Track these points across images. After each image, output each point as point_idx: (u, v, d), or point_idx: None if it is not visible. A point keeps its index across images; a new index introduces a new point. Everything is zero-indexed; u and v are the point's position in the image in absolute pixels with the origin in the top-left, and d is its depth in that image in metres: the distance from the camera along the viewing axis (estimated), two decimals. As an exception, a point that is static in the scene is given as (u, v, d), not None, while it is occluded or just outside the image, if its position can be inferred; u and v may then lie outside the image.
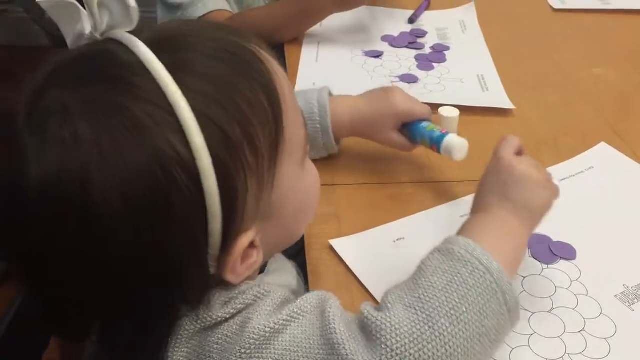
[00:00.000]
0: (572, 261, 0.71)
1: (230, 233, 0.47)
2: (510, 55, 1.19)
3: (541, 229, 0.75)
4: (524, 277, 0.69)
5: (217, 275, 0.50)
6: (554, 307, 0.66)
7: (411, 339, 0.47)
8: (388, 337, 0.47)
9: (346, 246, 0.73)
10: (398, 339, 0.47)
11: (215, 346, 0.48)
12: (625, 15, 1.35)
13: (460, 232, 0.58)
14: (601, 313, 0.65)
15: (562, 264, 0.71)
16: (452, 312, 0.48)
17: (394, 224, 0.77)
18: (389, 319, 0.47)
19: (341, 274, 0.71)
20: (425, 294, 0.49)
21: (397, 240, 0.74)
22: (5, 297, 0.71)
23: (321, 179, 0.84)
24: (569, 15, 1.35)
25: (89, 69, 0.47)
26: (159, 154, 0.43)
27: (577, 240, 0.74)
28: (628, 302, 0.66)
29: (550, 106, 1.03)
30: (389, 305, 0.49)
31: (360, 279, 0.69)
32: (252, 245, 0.51)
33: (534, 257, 0.72)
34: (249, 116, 0.47)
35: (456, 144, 0.78)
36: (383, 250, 0.73)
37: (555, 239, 0.74)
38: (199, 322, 0.49)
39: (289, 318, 0.49)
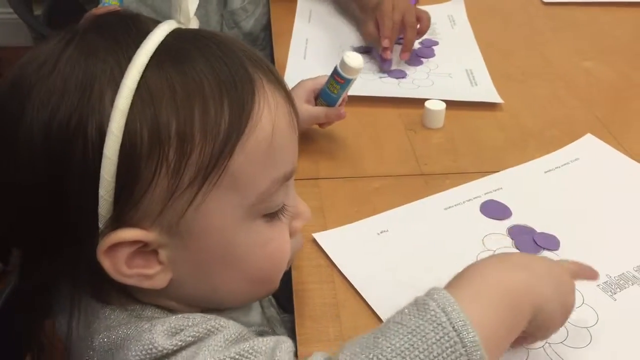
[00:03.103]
0: (555, 252, 0.71)
1: (118, 213, 0.46)
2: (500, 50, 1.19)
3: (526, 221, 0.75)
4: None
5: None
6: (535, 296, 0.65)
7: None
8: None
9: (330, 239, 0.73)
10: None
11: None
12: (615, 8, 1.35)
13: (461, 275, 0.52)
14: (583, 302, 0.65)
15: (545, 254, 0.71)
16: None
17: (378, 217, 0.77)
18: None
19: (324, 266, 0.71)
20: (380, 357, 0.45)
21: (381, 232, 0.74)
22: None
23: (306, 173, 0.85)
24: (559, 9, 1.35)
25: (113, 20, 0.51)
26: (88, 97, 0.45)
27: (561, 231, 0.74)
28: (610, 291, 0.66)
29: (539, 99, 1.03)
30: None
31: (343, 272, 0.69)
32: (156, 256, 0.50)
33: (517, 249, 0.71)
34: (194, 125, 0.46)
35: (349, 53, 0.82)
36: (367, 243, 0.73)
37: (539, 230, 0.74)
38: (143, 352, 0.46)
39: (238, 357, 0.46)
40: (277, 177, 0.51)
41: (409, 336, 0.45)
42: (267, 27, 1.35)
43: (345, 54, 0.82)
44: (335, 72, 0.84)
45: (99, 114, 0.45)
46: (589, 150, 0.89)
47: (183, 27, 0.52)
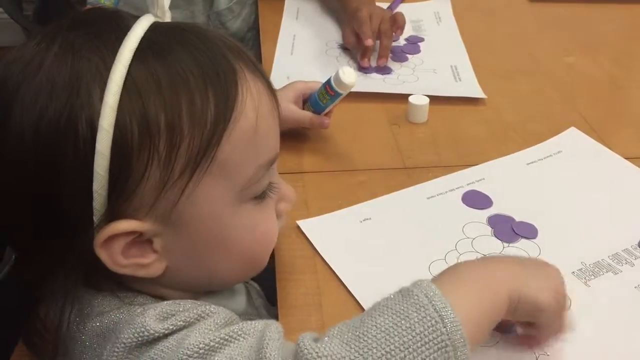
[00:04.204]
0: (533, 240, 0.73)
1: (113, 207, 0.48)
2: (485, 46, 1.20)
3: (505, 210, 0.77)
4: (485, 256, 0.70)
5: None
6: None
7: None
8: None
9: (313, 227, 0.74)
10: None
11: None
12: (599, 5, 1.36)
13: (444, 272, 0.55)
14: None
15: (523, 242, 0.72)
16: (388, 356, 0.46)
17: (361, 205, 0.78)
18: (320, 352, 0.46)
19: (307, 257, 0.71)
20: (366, 333, 0.47)
21: (364, 220, 0.75)
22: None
23: (291, 166, 0.87)
24: (545, 6, 1.36)
25: (94, 17, 0.52)
26: (76, 95, 0.46)
27: (540, 220, 0.75)
28: (584, 278, 0.67)
29: (521, 94, 1.05)
30: (327, 338, 0.47)
31: (326, 259, 0.70)
32: (151, 245, 0.51)
33: (496, 237, 0.73)
34: (182, 116, 0.48)
35: (345, 68, 0.82)
36: (349, 231, 0.74)
37: (518, 219, 0.75)
38: (135, 335, 0.48)
39: (227, 337, 0.47)
40: (262, 163, 0.53)
41: (393, 316, 0.48)
42: (254, 28, 1.36)
43: (341, 69, 0.82)
44: (327, 83, 0.84)
45: (89, 111, 0.46)
46: (572, 143, 0.91)
47: (160, 20, 0.53)
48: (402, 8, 1.31)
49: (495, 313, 0.53)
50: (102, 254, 0.50)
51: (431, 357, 0.46)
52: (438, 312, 0.47)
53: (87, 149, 0.46)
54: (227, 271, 0.57)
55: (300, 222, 0.75)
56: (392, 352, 0.46)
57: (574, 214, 0.77)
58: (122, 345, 0.48)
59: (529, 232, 0.73)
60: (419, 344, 0.46)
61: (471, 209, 0.78)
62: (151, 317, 0.48)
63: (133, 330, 0.48)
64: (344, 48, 1.17)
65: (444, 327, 0.47)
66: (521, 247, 0.71)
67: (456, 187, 0.81)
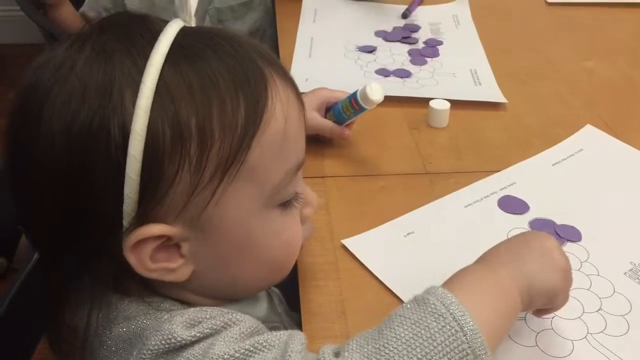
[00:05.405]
0: (579, 243, 0.73)
1: (143, 210, 0.48)
2: (503, 49, 1.19)
3: (544, 214, 0.77)
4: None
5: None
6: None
7: None
8: None
9: (359, 244, 0.73)
10: None
11: None
12: (618, 8, 1.36)
13: (450, 280, 0.54)
14: (614, 291, 0.66)
15: (569, 246, 0.72)
16: None
17: (401, 219, 0.77)
18: None
19: (330, 264, 0.71)
20: (387, 345, 0.46)
21: (408, 234, 0.74)
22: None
23: (312, 171, 0.86)
24: (563, 9, 1.36)
25: (124, 21, 0.52)
26: (109, 99, 0.46)
27: (580, 222, 0.75)
28: (638, 278, 0.67)
29: (541, 98, 1.04)
30: (347, 353, 0.47)
31: (377, 275, 0.68)
32: (178, 250, 0.51)
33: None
34: (213, 120, 0.48)
35: (373, 84, 0.81)
36: (395, 246, 0.73)
37: (559, 222, 0.75)
38: (163, 341, 0.47)
39: (252, 349, 0.47)
40: (290, 168, 0.53)
41: (413, 327, 0.47)
42: (257, 34, 1.37)
43: (369, 85, 0.81)
44: (353, 96, 0.84)
45: (121, 115, 0.46)
46: (591, 140, 0.91)
47: (187, 25, 0.53)
48: (420, 11, 1.31)
49: (510, 314, 0.53)
50: (131, 258, 0.49)
51: None
52: (457, 321, 0.47)
53: (119, 152, 0.46)
54: (252, 277, 0.57)
55: (345, 241, 0.73)
56: None
57: (612, 213, 0.77)
58: (149, 351, 0.48)
59: (573, 235, 0.74)
60: (440, 354, 0.46)
61: (510, 214, 0.77)
62: (178, 324, 0.48)
63: (160, 337, 0.48)
64: (363, 50, 1.17)
65: (464, 335, 0.47)
66: (569, 251, 0.70)
67: (490, 193, 0.81)
